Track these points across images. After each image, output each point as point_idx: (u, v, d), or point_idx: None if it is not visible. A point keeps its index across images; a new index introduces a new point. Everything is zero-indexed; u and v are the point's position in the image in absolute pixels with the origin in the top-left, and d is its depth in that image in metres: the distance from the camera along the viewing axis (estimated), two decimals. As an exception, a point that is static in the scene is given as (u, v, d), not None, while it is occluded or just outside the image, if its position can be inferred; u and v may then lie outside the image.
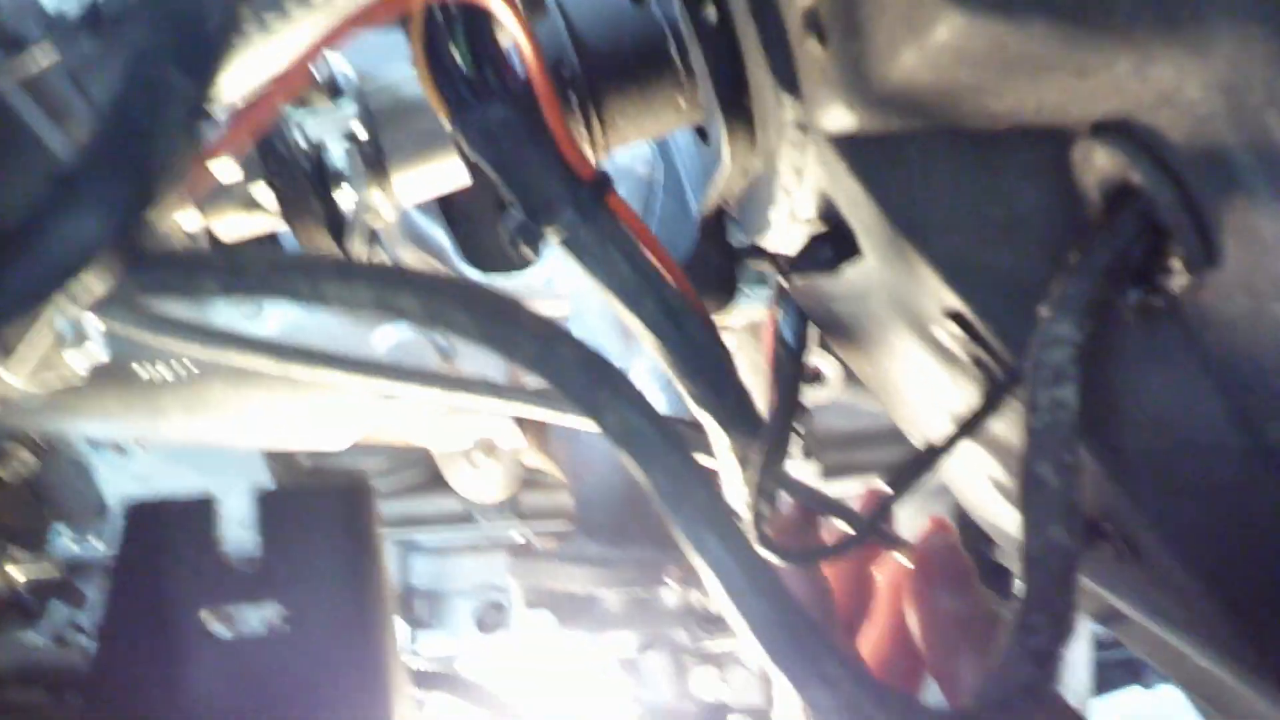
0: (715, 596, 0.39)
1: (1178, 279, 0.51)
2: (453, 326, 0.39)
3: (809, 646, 0.38)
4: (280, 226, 0.90)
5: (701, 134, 1.05)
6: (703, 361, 0.64)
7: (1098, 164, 0.51)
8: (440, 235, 1.33)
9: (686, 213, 1.29)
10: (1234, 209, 0.46)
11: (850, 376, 1.60)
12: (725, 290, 1.09)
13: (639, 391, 0.40)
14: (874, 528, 0.65)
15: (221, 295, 0.39)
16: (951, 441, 0.67)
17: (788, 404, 0.99)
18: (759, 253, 1.03)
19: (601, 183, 0.57)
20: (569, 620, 1.68)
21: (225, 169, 0.81)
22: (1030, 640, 0.47)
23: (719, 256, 1.12)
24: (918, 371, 0.86)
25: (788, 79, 0.60)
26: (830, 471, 1.74)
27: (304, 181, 0.85)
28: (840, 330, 1.08)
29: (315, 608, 0.72)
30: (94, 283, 0.36)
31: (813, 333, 1.53)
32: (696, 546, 0.38)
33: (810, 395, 1.57)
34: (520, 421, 1.39)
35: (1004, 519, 0.91)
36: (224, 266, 0.38)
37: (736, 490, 0.69)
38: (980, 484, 0.77)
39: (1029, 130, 0.55)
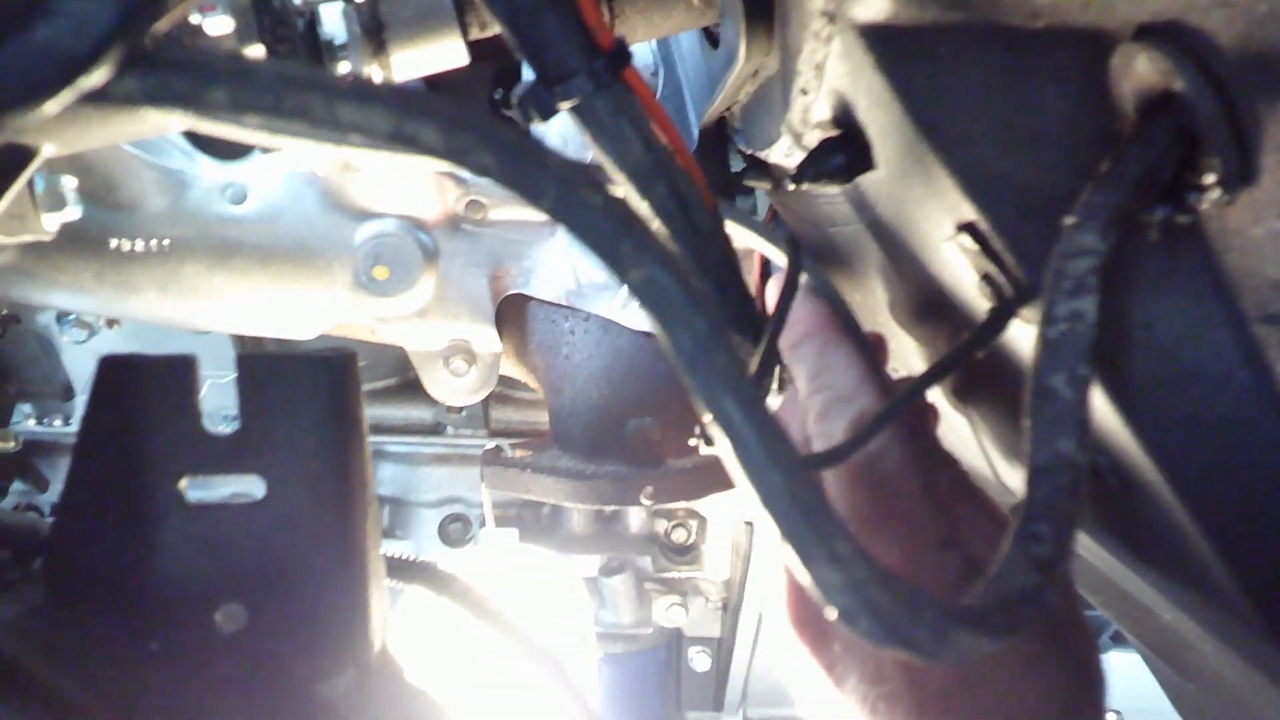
0: (727, 463, 0.38)
1: (1209, 195, 0.49)
2: (475, 164, 0.37)
3: (820, 523, 0.37)
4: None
5: (709, 39, 1.03)
6: (709, 255, 0.62)
7: (1138, 70, 0.50)
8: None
9: (685, 124, 1.27)
10: (1276, 122, 0.45)
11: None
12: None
13: (664, 247, 0.39)
14: (884, 423, 0.64)
15: (229, 111, 0.37)
16: (954, 360, 0.66)
17: (777, 323, 0.98)
18: (760, 167, 1.01)
19: (620, 53, 0.55)
20: (535, 537, 1.68)
21: (217, 22, 0.78)
22: (1034, 548, 0.46)
23: (716, 171, 1.09)
24: (918, 299, 0.85)
25: (821, -40, 0.58)
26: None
27: (299, 47, 0.81)
28: (834, 259, 1.06)
29: (295, 481, 0.70)
30: (102, 77, 0.34)
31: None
32: (713, 409, 0.37)
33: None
34: (499, 328, 1.37)
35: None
36: (234, 73, 0.36)
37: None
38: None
39: (1070, 32, 0.54)
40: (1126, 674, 1.47)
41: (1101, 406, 0.62)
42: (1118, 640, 1.85)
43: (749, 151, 0.99)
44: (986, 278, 0.64)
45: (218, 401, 0.86)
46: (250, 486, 0.70)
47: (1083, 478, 0.48)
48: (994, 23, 0.55)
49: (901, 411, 0.65)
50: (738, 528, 1.77)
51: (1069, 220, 0.51)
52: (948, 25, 0.57)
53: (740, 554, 1.79)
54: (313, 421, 0.67)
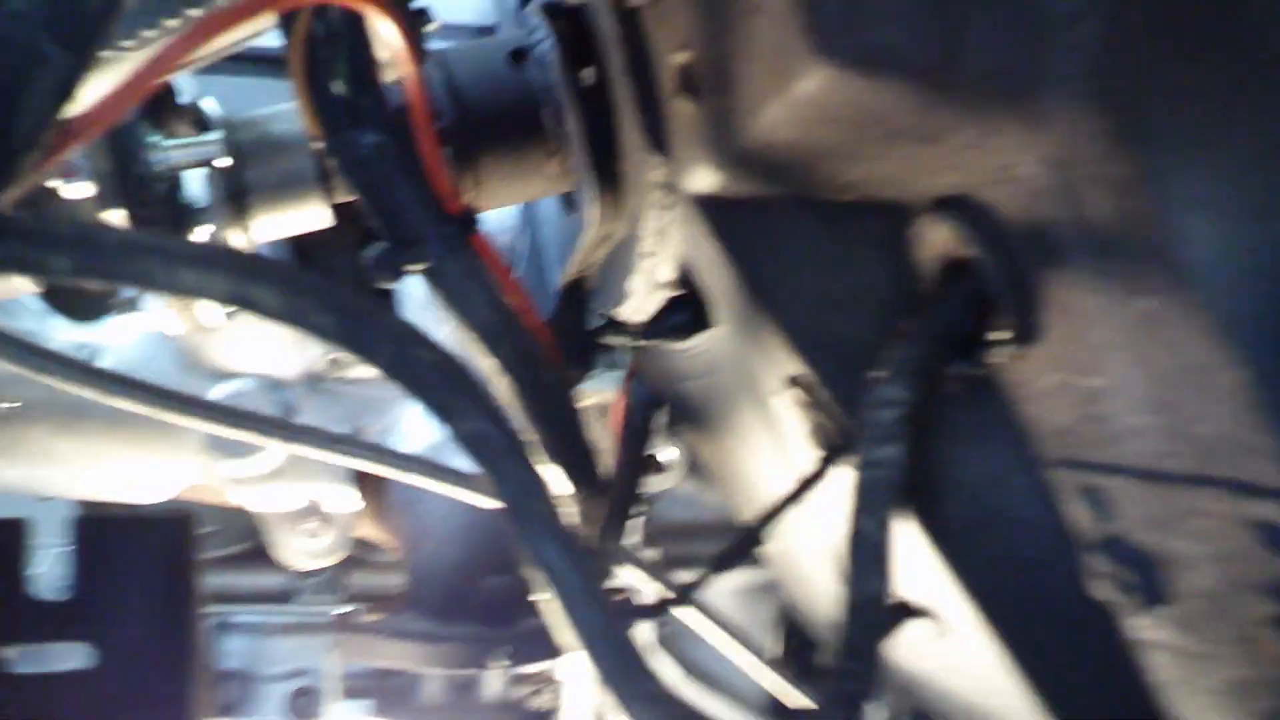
0: (551, 606, 0.39)
1: (1000, 351, 0.54)
2: (311, 325, 0.39)
3: (635, 664, 0.39)
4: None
5: (568, 203, 1.08)
6: (556, 412, 0.65)
7: (935, 238, 0.55)
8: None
9: (546, 282, 1.31)
10: (1056, 285, 0.50)
11: (692, 468, 1.63)
12: (579, 363, 1.10)
13: (494, 401, 0.41)
14: (689, 595, 0.66)
15: (73, 276, 0.38)
16: (786, 504, 0.69)
17: (632, 477, 1.00)
18: (614, 325, 1.05)
19: (468, 219, 0.59)
20: (389, 709, 1.62)
21: (78, 188, 0.79)
22: (845, 685, 0.48)
23: (575, 329, 1.13)
24: (759, 448, 0.89)
25: (658, 138, 0.63)
26: (670, 562, 1.75)
27: (159, 209, 0.82)
28: (688, 412, 1.10)
29: (126, 649, 0.68)
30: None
31: (660, 419, 1.55)
32: (537, 555, 0.38)
33: (653, 483, 1.58)
34: (361, 488, 1.36)
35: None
36: (77, 241, 0.37)
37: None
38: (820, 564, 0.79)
39: (876, 204, 0.59)
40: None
41: (927, 549, 0.66)
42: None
43: (603, 311, 1.03)
44: (817, 429, 0.68)
45: (60, 569, 0.83)
46: (81, 655, 0.68)
47: (887, 617, 0.51)
48: (811, 196, 0.61)
49: (738, 557, 0.68)
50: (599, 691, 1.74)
51: (876, 374, 0.55)
52: (772, 197, 0.62)
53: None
54: (147, 586, 0.66)
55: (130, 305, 0.86)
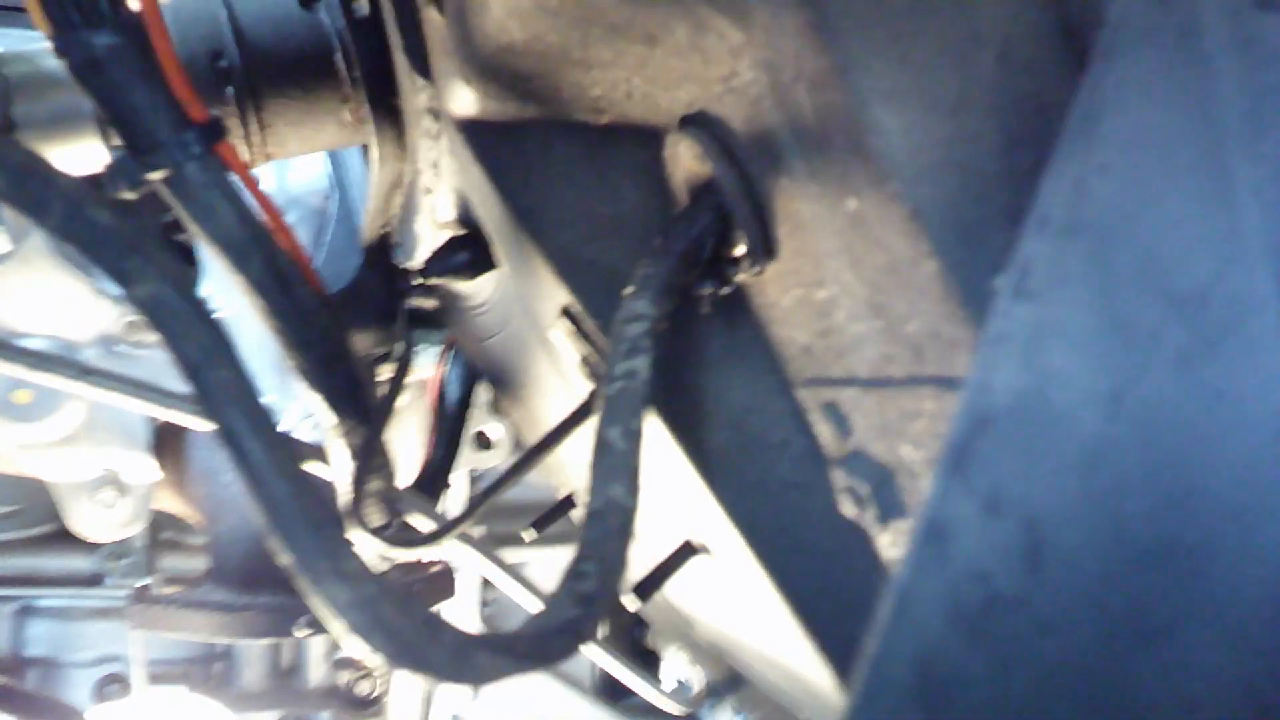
0: (237, 476, 0.37)
1: (742, 268, 0.55)
2: (-22, 181, 0.37)
3: (329, 539, 0.37)
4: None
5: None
6: (312, 334, 0.63)
7: (683, 158, 0.56)
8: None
9: (356, 246, 1.28)
10: (783, 195, 0.51)
11: (518, 445, 1.62)
12: (384, 324, 1.08)
13: (176, 264, 0.39)
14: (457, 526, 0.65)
15: None
16: (552, 439, 0.69)
17: (446, 448, 0.99)
18: (427, 289, 1.03)
19: (214, 127, 0.56)
20: (207, 693, 1.57)
21: None
22: (578, 585, 0.48)
23: (380, 289, 1.11)
24: (550, 393, 0.89)
25: (419, 58, 0.62)
26: (495, 540, 1.74)
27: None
28: (500, 377, 1.09)
29: None
30: None
31: (482, 394, 1.54)
32: (217, 420, 0.37)
33: (479, 460, 1.57)
34: (158, 455, 1.30)
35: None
36: None
37: (342, 474, 0.68)
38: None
39: (631, 126, 0.60)
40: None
41: (688, 476, 0.66)
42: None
43: (403, 264, 1.02)
44: (585, 360, 0.68)
45: None
46: None
47: (631, 520, 0.51)
48: (570, 120, 0.61)
49: (509, 483, 0.67)
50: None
51: (626, 290, 0.56)
52: (531, 120, 0.62)
53: (425, 700, 1.73)
54: None
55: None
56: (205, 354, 0.37)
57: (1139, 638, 0.29)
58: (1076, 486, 0.30)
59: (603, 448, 0.53)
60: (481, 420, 1.55)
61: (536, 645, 0.43)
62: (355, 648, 0.38)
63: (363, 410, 0.69)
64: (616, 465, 0.53)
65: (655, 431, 0.58)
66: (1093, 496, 0.30)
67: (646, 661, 1.57)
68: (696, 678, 1.64)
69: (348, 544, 0.38)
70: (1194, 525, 0.30)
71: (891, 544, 0.57)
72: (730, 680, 1.19)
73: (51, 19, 0.55)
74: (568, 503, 1.05)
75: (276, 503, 0.37)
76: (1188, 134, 0.33)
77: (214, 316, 0.38)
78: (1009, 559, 0.29)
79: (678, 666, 1.64)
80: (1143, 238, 0.32)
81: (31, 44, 0.91)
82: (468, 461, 1.54)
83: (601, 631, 1.74)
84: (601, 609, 0.48)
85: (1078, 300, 0.31)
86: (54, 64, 0.87)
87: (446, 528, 0.67)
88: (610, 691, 1.85)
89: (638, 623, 1.77)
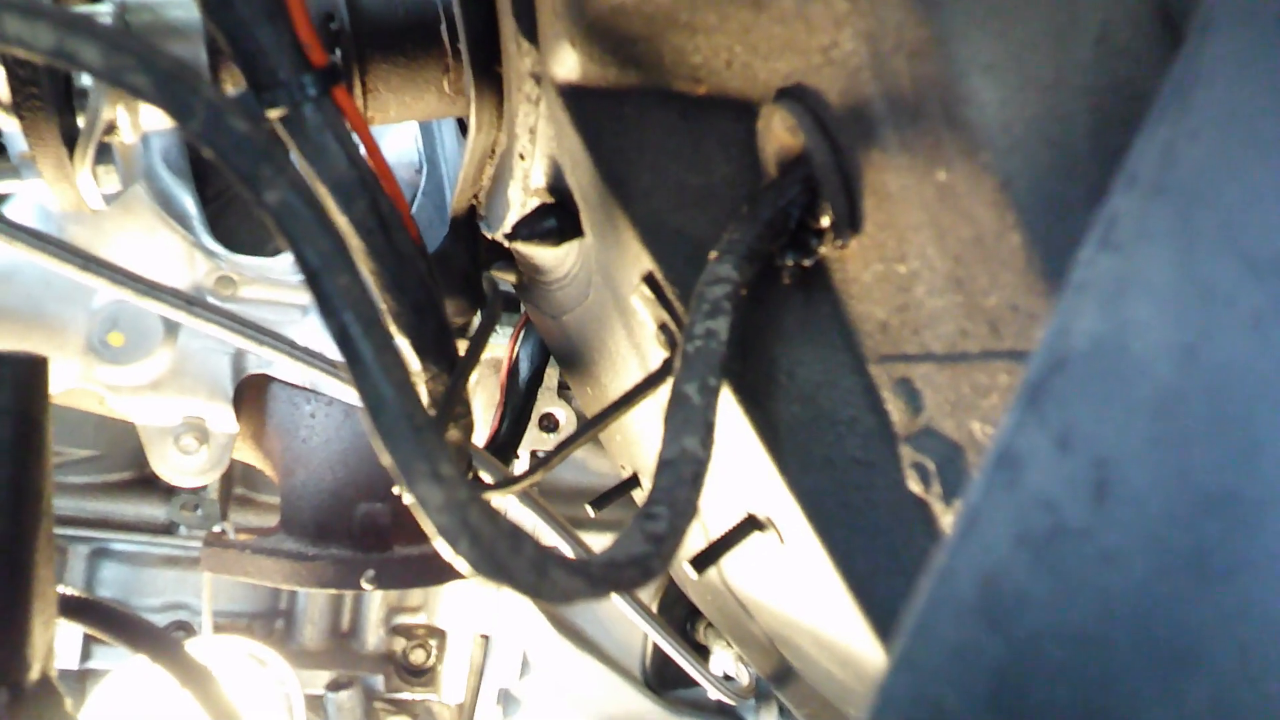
0: (347, 373, 0.40)
1: (826, 240, 0.57)
2: (129, 83, 0.40)
3: (428, 443, 0.40)
4: (7, 122, 0.87)
5: (464, 127, 1.09)
6: (408, 280, 0.66)
7: (776, 130, 0.58)
8: (189, 203, 1.30)
9: (444, 218, 1.32)
10: (872, 167, 0.53)
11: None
12: (468, 295, 1.11)
13: (303, 176, 0.42)
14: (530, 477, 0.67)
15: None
16: (629, 399, 0.71)
17: (515, 422, 1.02)
18: (509, 259, 1.06)
19: (332, 72, 0.59)
20: (267, 645, 1.62)
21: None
22: (649, 525, 0.50)
23: (465, 260, 1.14)
24: (625, 368, 0.91)
25: (528, 22, 0.65)
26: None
27: (42, 76, 0.82)
28: (572, 355, 1.12)
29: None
30: None
31: (553, 378, 1.56)
32: (331, 322, 0.39)
33: (544, 441, 1.60)
34: (238, 409, 1.35)
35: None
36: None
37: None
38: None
39: (727, 100, 0.62)
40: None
41: (755, 449, 0.68)
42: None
43: (492, 236, 1.05)
44: (663, 327, 0.70)
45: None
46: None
47: (703, 472, 0.53)
48: (668, 88, 0.63)
49: (578, 444, 0.69)
50: (475, 645, 1.75)
51: (712, 254, 0.57)
52: (630, 88, 0.64)
53: (476, 672, 1.76)
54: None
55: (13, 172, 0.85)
56: (326, 260, 0.39)
57: (1199, 578, 0.30)
58: (1146, 431, 0.31)
59: (679, 400, 0.55)
60: (549, 403, 1.58)
61: (609, 572, 0.45)
62: (443, 549, 0.41)
63: (448, 361, 0.71)
64: (692, 418, 0.54)
65: (724, 402, 0.60)
66: (1161, 442, 0.31)
67: (697, 655, 1.59)
68: (743, 673, 1.65)
69: (445, 450, 0.41)
70: (1257, 481, 0.31)
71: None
72: (777, 674, 1.20)
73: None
74: (631, 482, 1.07)
75: (383, 403, 0.39)
76: (1275, 112, 0.34)
77: (339, 234, 0.40)
78: (1077, 492, 0.30)
79: (725, 661, 1.66)
80: (1226, 204, 0.33)
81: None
82: (533, 441, 1.57)
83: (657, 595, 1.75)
84: (670, 550, 0.50)
85: (1160, 256, 0.33)
86: (176, 14, 0.91)
87: (519, 477, 0.70)
88: (658, 682, 1.87)
89: (689, 617, 1.79)
